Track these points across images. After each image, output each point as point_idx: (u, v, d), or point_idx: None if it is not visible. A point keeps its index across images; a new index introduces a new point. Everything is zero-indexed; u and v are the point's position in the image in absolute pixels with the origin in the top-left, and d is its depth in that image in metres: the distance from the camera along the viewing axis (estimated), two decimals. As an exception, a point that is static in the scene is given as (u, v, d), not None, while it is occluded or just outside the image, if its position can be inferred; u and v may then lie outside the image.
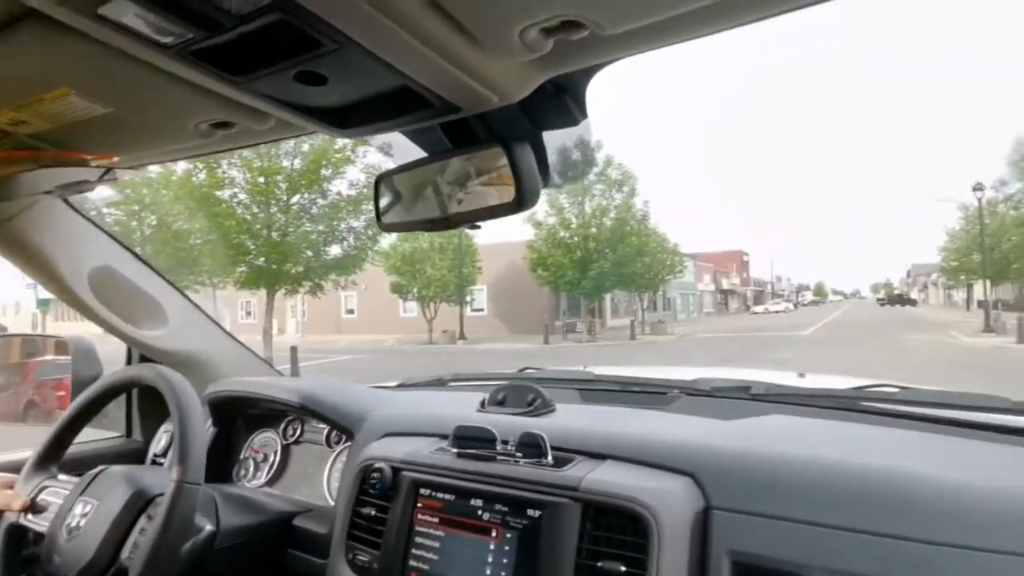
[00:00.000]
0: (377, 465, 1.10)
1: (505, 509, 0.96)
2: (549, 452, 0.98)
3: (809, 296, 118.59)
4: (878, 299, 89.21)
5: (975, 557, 0.72)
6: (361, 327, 30.48)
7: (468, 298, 26.02)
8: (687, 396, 1.31)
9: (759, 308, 60.48)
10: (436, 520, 1.02)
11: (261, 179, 12.50)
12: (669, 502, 0.86)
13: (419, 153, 0.83)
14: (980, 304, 47.83)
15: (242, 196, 12.66)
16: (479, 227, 0.84)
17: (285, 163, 12.72)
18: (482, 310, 28.95)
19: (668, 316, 43.10)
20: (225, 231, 11.96)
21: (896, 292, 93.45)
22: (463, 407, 1.28)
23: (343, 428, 1.34)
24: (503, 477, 0.98)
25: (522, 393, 1.24)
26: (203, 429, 1.03)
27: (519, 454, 1.00)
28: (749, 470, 0.90)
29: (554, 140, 0.77)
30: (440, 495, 1.03)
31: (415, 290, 24.60)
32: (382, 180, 0.90)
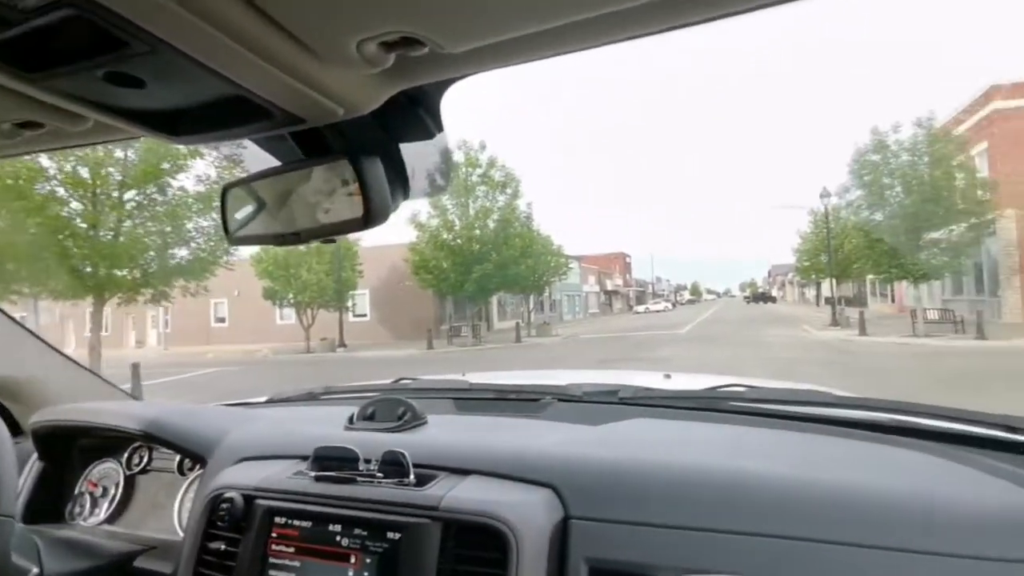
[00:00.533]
0: (228, 495, 1.05)
1: (364, 533, 0.94)
2: (411, 471, 0.97)
3: (687, 295, 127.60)
4: (745, 297, 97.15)
5: (822, 549, 0.79)
6: (234, 336, 28.42)
7: (349, 303, 24.72)
8: (559, 402, 1.35)
9: (641, 308, 63.39)
10: (292, 550, 0.98)
11: (85, 171, 10.86)
12: (528, 515, 0.89)
13: (271, 161, 0.78)
14: (827, 300, 53.93)
15: (61, 191, 10.90)
16: (334, 241, 0.79)
17: (119, 153, 11.09)
18: (365, 315, 27.75)
19: (554, 318, 43.94)
20: (42, 230, 10.21)
21: (760, 291, 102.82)
22: (329, 424, 1.26)
23: (193, 455, 1.27)
24: (363, 500, 0.97)
25: (392, 407, 1.23)
26: (9, 455, 0.95)
27: (380, 474, 0.98)
28: (606, 479, 0.94)
29: (415, 152, 0.74)
30: (297, 523, 0.99)
31: (290, 296, 23.06)
32: (229, 190, 0.83)
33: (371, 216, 0.70)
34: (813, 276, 30.32)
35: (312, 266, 22.31)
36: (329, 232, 0.75)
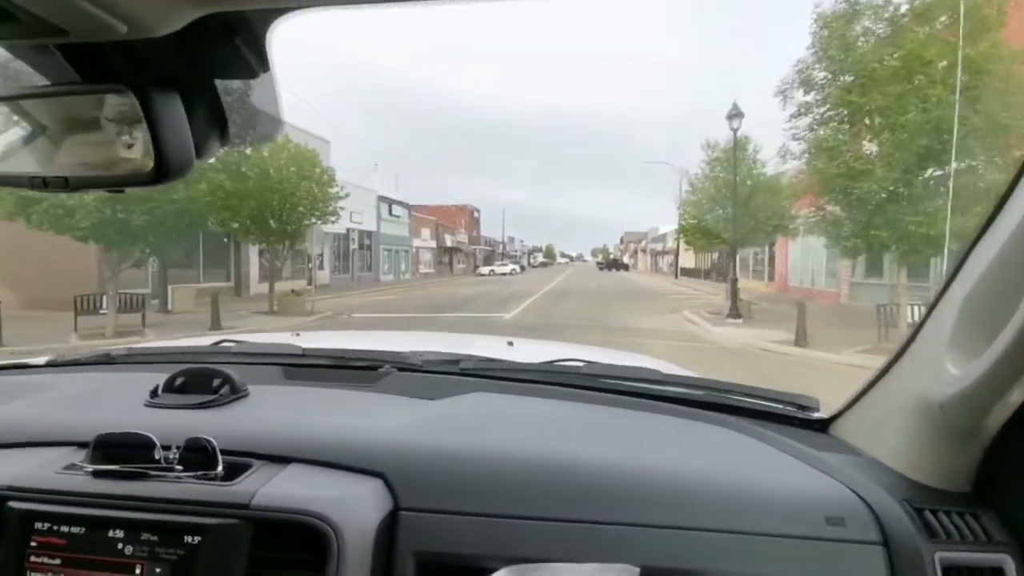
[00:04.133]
0: None
1: (155, 539, 0.81)
2: (220, 461, 0.85)
3: (540, 258, 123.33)
4: (598, 263, 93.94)
5: (640, 533, 0.82)
6: None
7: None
8: (398, 372, 1.29)
9: (485, 270, 55.02)
10: (57, 562, 0.82)
11: None
12: (352, 510, 0.82)
13: (40, 80, 0.62)
14: (684, 272, 50.11)
15: None
16: (121, 191, 0.69)
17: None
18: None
19: (369, 277, 33.72)
20: None
21: (611, 257, 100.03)
22: (125, 399, 1.10)
23: None
24: (156, 499, 0.83)
25: (207, 377, 1.10)
26: None
27: (180, 467, 0.85)
28: (438, 467, 0.90)
29: (238, 91, 0.64)
30: (65, 529, 0.82)
31: None
32: None
33: (165, 166, 0.57)
34: (703, 240, 22.68)
35: None
36: (109, 183, 0.63)
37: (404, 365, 1.30)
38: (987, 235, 0.77)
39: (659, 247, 66.17)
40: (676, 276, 44.08)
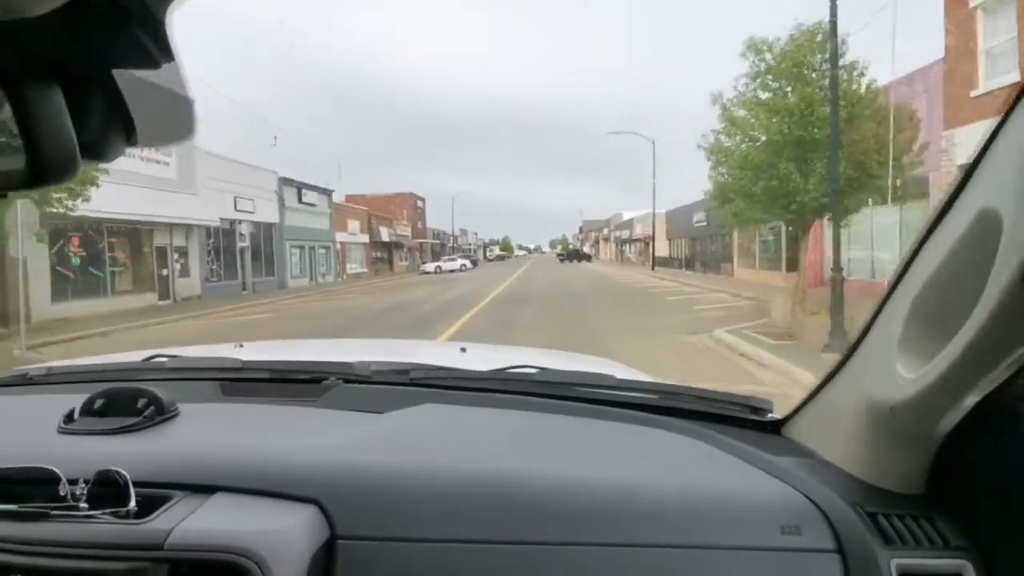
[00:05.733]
0: None
1: None
2: (132, 495, 0.78)
3: (496, 251, 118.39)
4: (558, 255, 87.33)
5: (595, 552, 0.80)
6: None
7: None
8: (344, 384, 1.22)
9: (430, 267, 47.60)
10: None
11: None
12: (282, 544, 0.76)
13: None
14: (658, 262, 43.94)
15: None
16: (4, 196, 0.61)
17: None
18: None
19: (271, 283, 26.25)
20: None
21: (572, 247, 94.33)
22: (36, 424, 1.02)
23: None
24: (58, 543, 0.75)
25: (130, 398, 1.03)
26: None
27: (86, 505, 0.77)
28: (378, 490, 0.85)
29: (146, 86, 0.56)
30: None
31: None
32: None
33: (42, 167, 0.50)
34: (758, 209, 12.04)
35: None
36: None
37: (351, 376, 1.24)
38: (936, 233, 0.73)
39: (624, 234, 59.91)
40: (652, 267, 37.73)
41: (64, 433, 0.96)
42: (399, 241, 48.68)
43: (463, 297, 19.31)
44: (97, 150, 0.53)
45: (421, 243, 58.89)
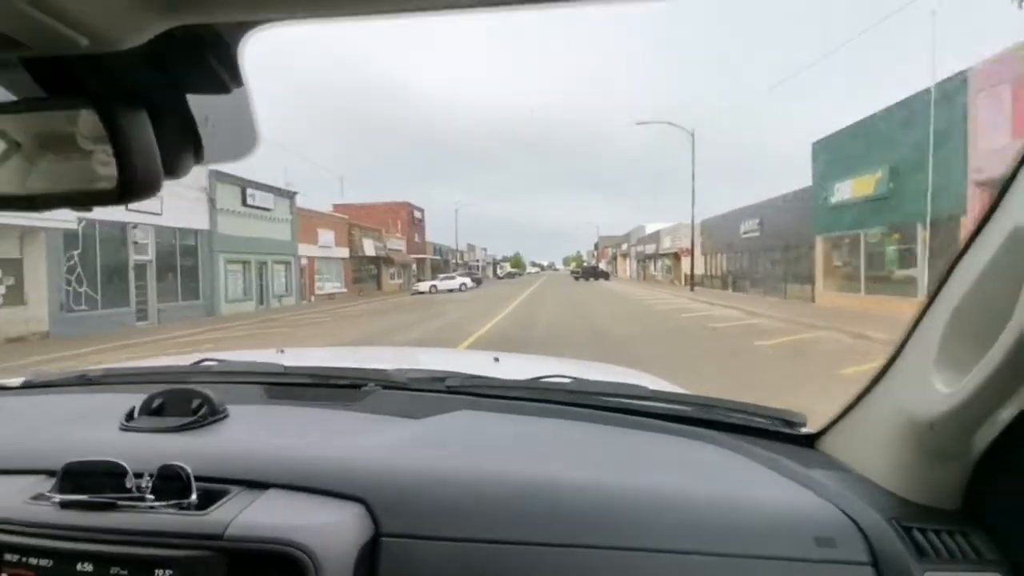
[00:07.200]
0: None
1: (124, 573, 0.79)
2: (194, 488, 0.83)
3: (507, 268, 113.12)
4: (572, 272, 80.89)
5: (633, 557, 0.81)
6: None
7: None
8: (382, 389, 1.27)
9: (424, 286, 40.97)
10: None
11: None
12: (330, 538, 0.80)
13: (6, 96, 0.60)
14: (687, 279, 37.06)
15: None
16: (90, 210, 0.65)
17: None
18: None
19: (194, 308, 19.89)
20: None
21: (586, 264, 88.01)
22: (99, 422, 1.07)
23: None
24: (125, 531, 0.80)
25: (185, 398, 1.08)
26: None
27: (152, 496, 0.83)
28: (421, 490, 0.88)
29: (211, 106, 0.61)
30: (34, 561, 0.81)
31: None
32: None
33: (130, 185, 0.55)
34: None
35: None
36: (75, 201, 0.60)
37: (388, 383, 1.28)
38: (973, 248, 0.75)
39: (649, 249, 52.99)
40: (691, 286, 30.88)
41: (126, 430, 1.01)
42: (389, 256, 42.34)
43: (445, 329, 12.99)
44: (172, 167, 0.57)
45: (419, 259, 52.38)
